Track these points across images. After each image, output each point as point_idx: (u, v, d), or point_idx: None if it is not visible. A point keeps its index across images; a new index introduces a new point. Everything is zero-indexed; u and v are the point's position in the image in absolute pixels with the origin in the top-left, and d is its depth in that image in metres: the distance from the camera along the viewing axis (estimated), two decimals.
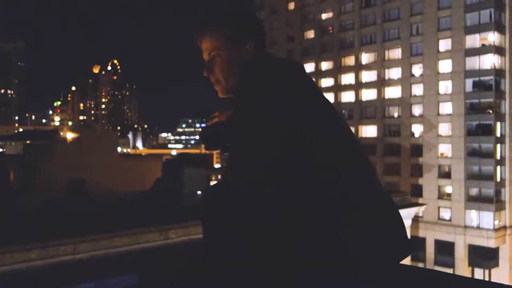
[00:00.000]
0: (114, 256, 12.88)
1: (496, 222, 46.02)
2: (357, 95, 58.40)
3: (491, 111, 46.97)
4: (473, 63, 48.11)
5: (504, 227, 46.58)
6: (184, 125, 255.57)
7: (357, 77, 58.45)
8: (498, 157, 46.88)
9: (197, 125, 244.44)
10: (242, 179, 1.34)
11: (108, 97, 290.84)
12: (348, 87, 59.65)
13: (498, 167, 46.85)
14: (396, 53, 55.03)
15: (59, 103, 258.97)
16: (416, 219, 44.41)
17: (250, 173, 1.33)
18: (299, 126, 1.33)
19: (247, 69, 1.42)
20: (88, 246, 12.83)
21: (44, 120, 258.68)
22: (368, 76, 57.78)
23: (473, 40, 48.26)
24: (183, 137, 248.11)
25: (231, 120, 1.49)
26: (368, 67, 57.68)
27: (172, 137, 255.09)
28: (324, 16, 62.85)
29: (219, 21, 1.54)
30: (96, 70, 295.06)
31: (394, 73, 55.17)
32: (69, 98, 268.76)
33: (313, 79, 1.48)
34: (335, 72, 60.79)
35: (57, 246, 11.97)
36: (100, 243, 13.08)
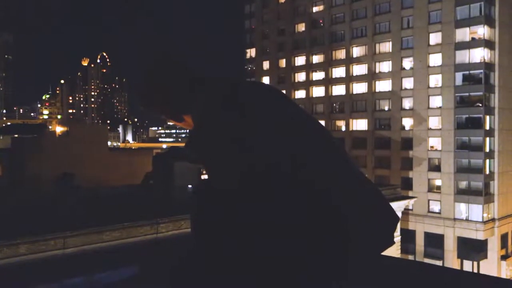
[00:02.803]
0: (104, 250, 12.78)
1: (485, 215, 46.53)
2: (347, 89, 58.49)
3: (480, 105, 47.33)
4: (463, 56, 48.37)
5: (493, 220, 47.12)
6: None
7: (348, 71, 58.52)
8: (487, 150, 47.31)
9: None
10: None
11: (98, 91, 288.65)
12: (339, 81, 59.70)
13: (487, 160, 47.29)
14: (386, 46, 55.15)
15: (47, 96, 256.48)
16: (406, 212, 44.76)
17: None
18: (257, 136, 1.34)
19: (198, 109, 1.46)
20: (78, 240, 12.70)
21: (32, 114, 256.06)
22: (358, 69, 57.88)
23: (463, 34, 48.49)
24: (173, 131, 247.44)
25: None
26: (358, 60, 57.76)
27: (162, 131, 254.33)
28: (315, 9, 62.74)
29: (141, 99, 1.63)
30: (85, 62, 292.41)
31: (385, 66, 55.32)
32: (58, 91, 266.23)
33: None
34: (326, 66, 60.80)
35: (47, 241, 11.84)
36: (90, 237, 12.96)
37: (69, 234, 12.51)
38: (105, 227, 13.71)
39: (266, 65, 68.52)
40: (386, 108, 55.04)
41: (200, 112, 1.45)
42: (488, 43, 47.53)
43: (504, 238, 47.94)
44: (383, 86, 55.46)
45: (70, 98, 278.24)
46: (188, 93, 1.54)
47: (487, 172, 47.27)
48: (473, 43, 47.86)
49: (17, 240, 11.45)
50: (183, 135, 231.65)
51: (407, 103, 53.18)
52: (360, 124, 57.04)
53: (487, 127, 47.45)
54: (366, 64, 56.72)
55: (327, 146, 1.42)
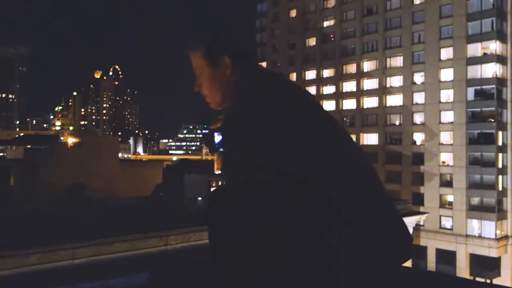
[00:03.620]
0: (114, 262, 12.79)
1: (498, 232, 45.80)
2: (358, 103, 58.40)
3: (492, 120, 46.92)
4: (474, 72, 48.13)
5: (506, 237, 46.36)
6: (185, 131, 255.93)
7: (358, 85, 58.49)
8: (500, 166, 46.76)
9: (198, 131, 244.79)
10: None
11: (110, 103, 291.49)
12: (349, 95, 59.66)
13: (500, 176, 46.70)
14: (397, 61, 55.09)
15: (60, 108, 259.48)
16: (417, 228, 44.20)
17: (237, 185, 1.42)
18: (290, 140, 1.38)
19: (236, 101, 1.52)
20: (87, 251, 12.73)
21: (45, 125, 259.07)
22: (369, 83, 57.81)
23: (474, 49, 48.32)
24: (184, 143, 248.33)
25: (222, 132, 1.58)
26: (369, 74, 57.73)
27: (173, 143, 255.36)
28: (325, 23, 63.03)
29: (195, 41, 1.66)
30: (97, 75, 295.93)
31: (396, 81, 55.21)
32: (70, 103, 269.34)
33: (296, 87, 1.56)
34: (337, 80, 60.84)
35: (56, 251, 11.88)
36: (100, 249, 12.98)
37: (79, 245, 12.54)
38: (115, 238, 13.73)
39: None
40: (397, 123, 54.79)
41: (240, 99, 1.51)
42: (500, 58, 47.29)
43: None
44: (394, 100, 55.29)
45: (82, 110, 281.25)
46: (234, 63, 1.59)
47: (500, 188, 46.65)
48: (485, 58, 47.64)
49: (27, 250, 11.51)
50: (193, 148, 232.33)
51: (418, 118, 52.90)
52: (371, 139, 56.78)
53: (500, 143, 46.96)
54: (377, 79, 56.65)
55: (357, 162, 1.45)
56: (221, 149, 1.66)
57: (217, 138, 1.75)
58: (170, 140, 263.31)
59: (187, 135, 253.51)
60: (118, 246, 13.84)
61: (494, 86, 47.00)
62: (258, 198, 1.34)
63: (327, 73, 62.50)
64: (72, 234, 13.26)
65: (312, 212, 1.31)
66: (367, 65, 58.19)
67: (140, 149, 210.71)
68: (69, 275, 11.44)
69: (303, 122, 1.43)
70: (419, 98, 52.86)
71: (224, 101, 1.61)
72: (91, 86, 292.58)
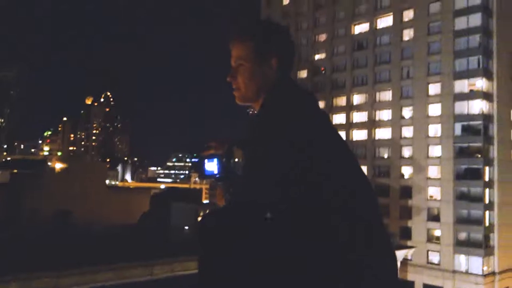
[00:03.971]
0: None
1: (485, 268, 45.67)
2: (347, 135, 58.90)
3: (479, 156, 47.50)
4: (462, 107, 49.02)
5: (493, 273, 46.20)
6: (174, 159, 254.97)
7: (348, 118, 59.14)
8: (487, 201, 47.05)
9: (188, 159, 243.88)
10: (251, 198, 1.40)
11: (100, 129, 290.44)
12: (339, 127, 60.16)
13: (487, 212, 46.93)
14: (386, 95, 55.99)
15: (49, 133, 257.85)
16: (405, 262, 43.98)
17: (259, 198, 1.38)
18: (310, 156, 1.39)
19: (267, 101, 1.51)
20: (71, 280, 12.47)
21: (33, 150, 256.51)
22: (359, 116, 58.51)
23: (462, 85, 49.35)
24: (172, 171, 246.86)
25: (245, 144, 1.55)
26: (359, 108, 58.49)
27: (161, 171, 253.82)
28: (317, 56, 64.16)
29: (249, 32, 1.60)
30: (88, 101, 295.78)
31: (385, 114, 55.95)
32: (59, 129, 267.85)
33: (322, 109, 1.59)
34: (327, 112, 61.35)
35: (39, 279, 11.62)
36: (83, 278, 12.72)
37: (63, 273, 12.29)
38: (99, 267, 13.49)
39: None
40: (386, 156, 55.22)
41: (273, 106, 1.49)
42: (486, 95, 48.30)
43: None
44: (383, 133, 55.89)
45: (72, 135, 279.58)
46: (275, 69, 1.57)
47: (487, 223, 46.81)
48: (472, 94, 48.64)
49: (9, 276, 11.24)
50: (182, 176, 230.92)
51: (406, 152, 53.40)
52: None
53: (487, 178, 47.41)
54: (367, 112, 57.39)
55: (368, 187, 1.51)
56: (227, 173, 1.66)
57: (207, 165, 1.78)
58: (159, 168, 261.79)
59: (176, 163, 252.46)
60: (103, 275, 13.58)
61: (481, 122, 47.81)
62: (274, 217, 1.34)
63: None
64: (56, 261, 13.00)
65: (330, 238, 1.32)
66: (357, 98, 59.02)
67: (128, 176, 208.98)
68: None
69: (327, 138, 1.48)
70: (407, 132, 53.49)
71: (252, 100, 1.60)
72: (82, 112, 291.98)
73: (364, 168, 56.28)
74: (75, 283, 12.35)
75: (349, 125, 58.90)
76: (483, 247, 45.83)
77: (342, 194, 1.39)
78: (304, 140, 1.40)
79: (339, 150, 1.49)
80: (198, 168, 1.80)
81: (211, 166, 1.80)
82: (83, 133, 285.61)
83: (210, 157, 1.79)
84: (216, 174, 1.77)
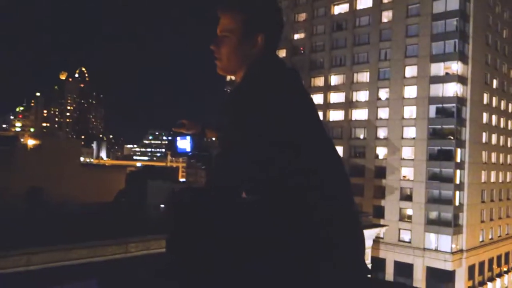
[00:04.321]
0: (70, 269, 12.42)
1: (454, 246, 47.19)
2: (324, 116, 59.24)
3: (452, 138, 48.53)
4: (437, 90, 49.76)
5: (461, 251, 47.81)
6: (150, 137, 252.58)
7: (325, 98, 59.39)
8: (458, 182, 48.31)
9: (164, 137, 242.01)
10: (229, 178, 1.39)
11: (74, 105, 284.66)
12: (316, 107, 60.32)
13: (457, 192, 48.24)
14: (364, 76, 56.33)
15: (21, 108, 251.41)
16: (377, 240, 45.00)
17: (237, 173, 1.38)
18: (288, 134, 1.39)
19: (248, 75, 1.49)
20: (43, 257, 12.33)
21: (4, 125, 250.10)
22: (336, 97, 58.81)
23: (438, 68, 49.98)
24: (149, 149, 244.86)
25: (224, 119, 1.50)
26: (336, 88, 58.76)
27: (137, 149, 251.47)
28: (296, 36, 63.85)
29: (242, 4, 1.55)
30: (63, 76, 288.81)
31: (362, 95, 56.39)
32: (32, 104, 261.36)
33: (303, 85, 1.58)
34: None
35: (9, 257, 11.45)
36: (56, 255, 12.59)
37: (34, 250, 12.13)
38: (72, 244, 13.36)
39: None
40: (362, 137, 55.88)
41: (253, 79, 1.47)
42: (461, 79, 49.10)
43: (471, 269, 48.60)
44: (359, 114, 56.41)
45: (45, 111, 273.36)
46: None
47: (457, 203, 48.17)
48: (447, 77, 49.35)
49: None
50: (158, 154, 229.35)
51: (381, 133, 54.12)
52: None
53: (458, 160, 48.58)
54: (344, 93, 57.72)
55: (338, 159, 1.51)
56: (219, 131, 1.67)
57: (180, 143, 1.80)
58: (135, 146, 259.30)
59: (152, 141, 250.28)
60: (76, 253, 13.47)
61: (454, 104, 48.70)
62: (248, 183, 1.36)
63: None
64: (27, 239, 12.82)
65: (298, 206, 1.34)
66: (335, 79, 59.22)
67: (103, 154, 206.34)
68: (21, 282, 11.03)
69: (306, 117, 1.48)
70: (383, 113, 54.12)
71: (233, 72, 1.58)
72: (56, 87, 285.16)
73: (340, 149, 56.91)
74: (47, 260, 12.22)
75: (326, 106, 59.19)
76: (452, 226, 47.26)
77: (318, 173, 1.39)
78: (284, 116, 1.39)
79: (316, 130, 1.49)
80: (171, 146, 1.82)
81: (184, 144, 1.82)
82: (56, 109, 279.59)
83: (183, 135, 1.80)
84: (188, 152, 1.80)
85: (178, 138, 1.83)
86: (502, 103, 57.14)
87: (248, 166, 1.36)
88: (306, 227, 1.32)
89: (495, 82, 55.20)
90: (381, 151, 53.92)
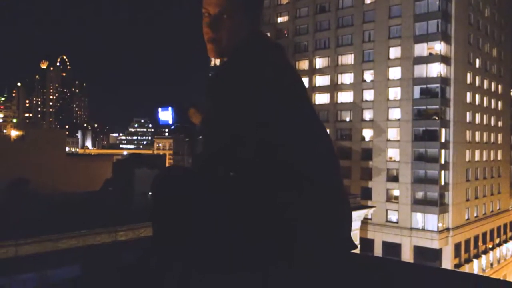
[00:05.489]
0: (59, 256, 12.35)
1: (440, 225, 48.01)
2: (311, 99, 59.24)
3: (436, 118, 49.01)
4: (421, 71, 50.04)
5: (447, 229, 48.68)
6: (136, 125, 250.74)
7: (310, 81, 59.36)
8: (443, 162, 48.95)
9: (150, 125, 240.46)
10: (206, 160, 1.37)
11: (57, 94, 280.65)
12: None
13: (443, 172, 48.91)
14: (348, 59, 56.35)
15: (3, 99, 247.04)
16: (365, 221, 45.54)
17: (215, 153, 1.35)
18: (271, 117, 1.34)
19: (239, 53, 1.43)
20: (31, 248, 12.23)
21: None
22: (321, 80, 58.82)
23: (421, 49, 50.20)
24: (135, 137, 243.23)
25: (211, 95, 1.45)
26: (321, 71, 58.73)
27: (123, 137, 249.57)
28: (279, 19, 63.46)
29: None
30: (44, 65, 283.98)
31: (347, 78, 56.48)
32: (14, 94, 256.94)
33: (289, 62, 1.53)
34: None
35: None
36: (44, 245, 12.50)
37: (22, 241, 12.02)
38: (60, 234, 13.27)
39: None
40: (348, 119, 56.12)
41: (239, 56, 1.42)
42: (444, 59, 49.41)
43: (457, 247, 49.57)
44: (345, 97, 56.56)
45: (27, 101, 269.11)
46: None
47: (442, 183, 48.88)
48: (431, 58, 49.62)
49: None
50: (145, 142, 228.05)
51: (367, 115, 54.41)
52: None
53: (443, 140, 49.14)
54: (329, 75, 57.73)
55: (326, 137, 1.53)
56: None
57: (161, 114, 1.76)
58: (121, 134, 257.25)
59: (138, 129, 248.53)
60: (64, 243, 13.39)
61: (438, 85, 49.07)
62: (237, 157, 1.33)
63: None
64: (14, 230, 12.68)
65: (279, 170, 1.32)
66: (319, 62, 59.16)
67: (88, 143, 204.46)
68: (9, 269, 10.94)
69: (289, 91, 1.42)
70: (368, 95, 54.35)
71: (228, 54, 1.48)
72: (37, 77, 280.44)
73: (327, 131, 57.08)
74: (35, 251, 12.13)
75: (312, 89, 59.20)
76: (438, 205, 48.01)
77: (306, 156, 1.37)
78: (276, 96, 1.35)
79: (299, 108, 1.44)
80: (154, 117, 1.78)
81: (165, 115, 1.77)
82: (39, 99, 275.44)
83: (165, 106, 1.76)
84: (170, 124, 1.76)
85: (160, 109, 1.78)
86: (485, 82, 57.73)
87: (226, 145, 1.33)
88: (288, 204, 1.30)
89: (478, 61, 55.66)
90: (367, 133, 54.28)
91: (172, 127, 1.77)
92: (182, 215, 1.30)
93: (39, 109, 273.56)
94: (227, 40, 1.45)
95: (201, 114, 1.79)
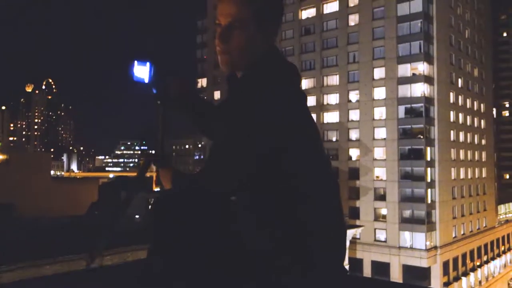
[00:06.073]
0: (44, 282, 12.08)
1: (428, 243, 48.09)
2: None
3: (421, 137, 49.60)
4: (405, 91, 50.83)
5: (435, 247, 48.76)
6: (122, 147, 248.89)
7: None
8: (429, 180, 49.35)
9: (137, 147, 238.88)
10: (220, 183, 1.31)
11: (42, 118, 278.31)
12: None
13: (429, 190, 49.26)
14: (334, 79, 57.05)
15: None
16: (353, 241, 45.50)
17: (230, 177, 1.30)
18: (284, 140, 1.31)
19: (257, 72, 1.37)
20: (15, 275, 11.96)
21: None
22: (308, 101, 59.17)
23: (404, 69, 51.10)
24: (121, 160, 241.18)
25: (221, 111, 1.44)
26: (307, 92, 58.82)
27: (110, 160, 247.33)
28: None
29: None
30: (29, 89, 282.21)
31: (333, 98, 57.06)
32: None
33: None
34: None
35: None
36: (28, 271, 12.24)
37: (5, 268, 11.77)
38: (44, 260, 13.01)
39: (217, 95, 68.89)
40: (334, 139, 56.50)
41: (262, 77, 1.35)
42: (427, 79, 50.31)
43: (446, 265, 49.60)
44: (331, 117, 57.04)
45: (11, 125, 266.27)
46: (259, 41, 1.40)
47: (429, 201, 49.17)
48: (414, 78, 50.49)
49: None
50: (131, 164, 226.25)
51: (353, 134, 54.85)
52: None
53: (428, 158, 49.64)
54: (315, 96, 58.30)
55: (326, 164, 1.49)
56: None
57: (137, 69, 1.53)
58: (107, 157, 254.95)
59: (124, 152, 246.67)
60: (49, 269, 13.13)
61: (422, 104, 49.83)
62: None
63: None
64: None
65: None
66: (305, 83, 59.77)
67: (74, 166, 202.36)
68: None
69: (300, 118, 1.40)
70: (354, 115, 54.89)
71: (241, 69, 1.41)
72: (22, 100, 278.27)
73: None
74: (18, 277, 11.86)
75: None
76: (426, 223, 48.19)
77: (313, 180, 1.36)
78: (288, 122, 1.31)
79: (306, 135, 1.42)
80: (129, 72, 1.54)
81: (142, 71, 1.53)
82: (23, 122, 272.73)
83: (142, 60, 1.53)
84: (146, 82, 1.54)
85: (136, 62, 1.53)
86: (468, 101, 58.82)
87: (234, 167, 1.29)
88: (289, 235, 1.29)
89: (460, 81, 56.82)
90: (354, 153, 54.63)
91: (148, 87, 1.54)
92: (189, 236, 1.27)
93: (24, 133, 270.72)
94: (239, 54, 1.38)
95: (186, 89, 1.67)
